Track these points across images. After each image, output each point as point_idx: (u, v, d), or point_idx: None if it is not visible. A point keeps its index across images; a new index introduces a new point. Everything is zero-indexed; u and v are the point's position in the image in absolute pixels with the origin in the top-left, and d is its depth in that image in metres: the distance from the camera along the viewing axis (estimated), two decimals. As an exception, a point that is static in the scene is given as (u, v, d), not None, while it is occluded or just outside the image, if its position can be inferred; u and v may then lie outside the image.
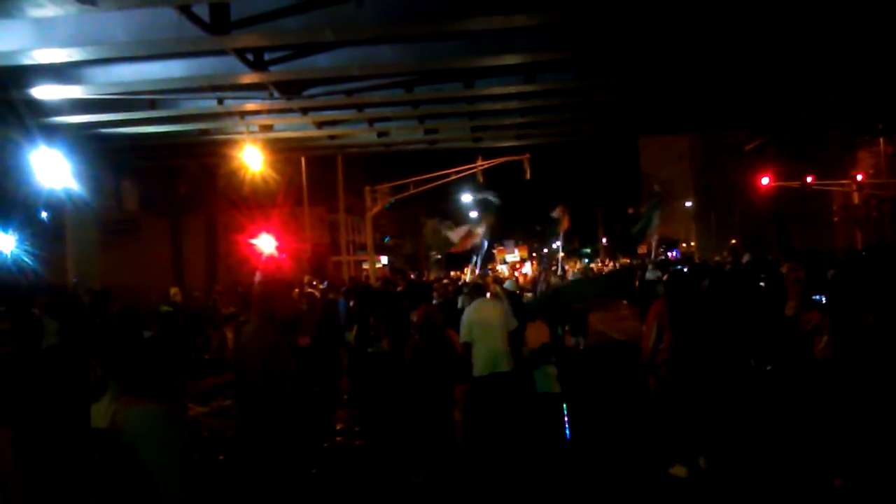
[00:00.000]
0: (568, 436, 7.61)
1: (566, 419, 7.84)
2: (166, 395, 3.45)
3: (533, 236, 63.89)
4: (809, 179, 35.22)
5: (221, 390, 6.91)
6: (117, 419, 3.38)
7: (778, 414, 7.10)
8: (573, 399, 8.32)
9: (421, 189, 27.68)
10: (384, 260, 42.34)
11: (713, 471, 6.41)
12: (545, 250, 57.42)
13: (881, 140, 37.09)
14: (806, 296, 6.90)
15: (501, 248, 52.39)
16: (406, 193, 28.04)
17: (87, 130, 17.59)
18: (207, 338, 11.52)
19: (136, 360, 3.42)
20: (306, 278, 15.77)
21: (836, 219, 45.55)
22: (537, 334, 14.30)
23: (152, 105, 16.05)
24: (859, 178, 35.00)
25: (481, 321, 7.52)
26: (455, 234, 23.68)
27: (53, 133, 16.15)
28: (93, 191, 18.17)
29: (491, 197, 26.19)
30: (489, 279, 27.81)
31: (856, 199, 38.26)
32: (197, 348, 11.19)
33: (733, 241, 44.21)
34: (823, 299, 6.50)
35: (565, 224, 24.40)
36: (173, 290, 17.63)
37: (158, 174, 23.64)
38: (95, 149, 18.67)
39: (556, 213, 23.51)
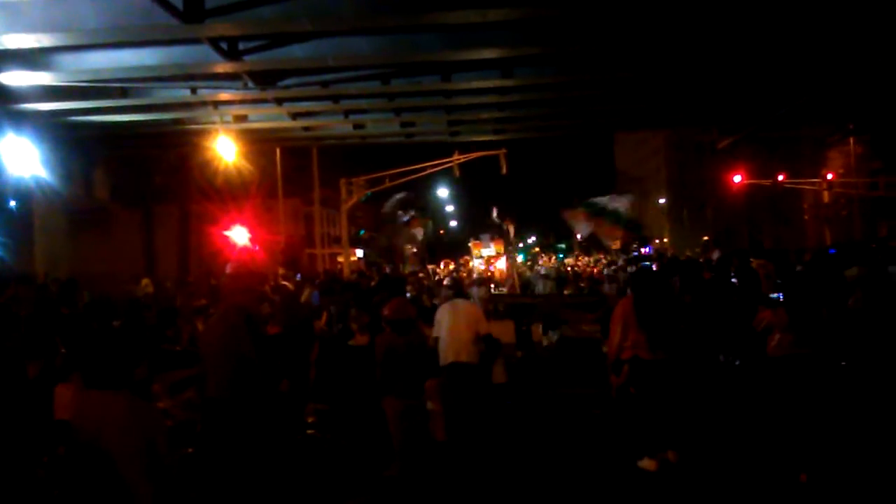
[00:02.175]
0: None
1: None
2: (131, 386, 3.40)
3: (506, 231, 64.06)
4: (781, 178, 35.68)
5: (191, 383, 6.83)
6: (82, 409, 3.33)
7: (745, 408, 7.19)
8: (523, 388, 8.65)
9: (397, 182, 27.58)
10: (359, 253, 42.19)
11: (683, 464, 6.48)
12: (521, 245, 57.61)
13: (851, 140, 37.68)
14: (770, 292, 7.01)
15: (477, 241, 52.37)
16: (382, 186, 27.92)
17: (57, 118, 17.29)
18: (178, 329, 11.37)
19: (100, 351, 3.37)
20: (280, 271, 15.64)
21: (806, 217, 46.23)
22: (504, 329, 14.38)
23: (123, 93, 15.82)
24: (829, 177, 35.51)
25: (451, 317, 7.75)
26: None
27: (22, 120, 15.86)
28: (62, 179, 17.88)
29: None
30: (462, 275, 27.84)
31: (826, 197, 38.82)
32: (167, 340, 11.04)
33: (705, 238, 44.71)
34: (781, 297, 6.60)
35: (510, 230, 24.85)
36: (144, 281, 17.42)
37: (130, 164, 23.31)
38: (65, 137, 18.37)
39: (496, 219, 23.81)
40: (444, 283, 16.72)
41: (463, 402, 7.36)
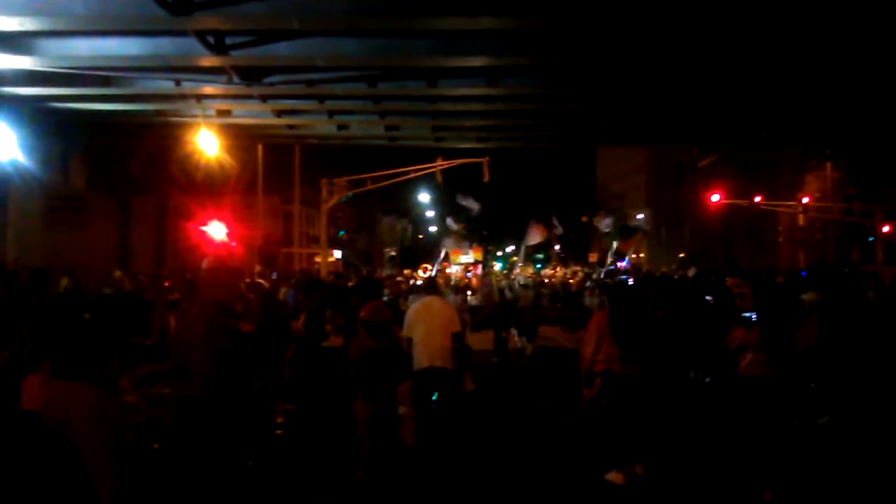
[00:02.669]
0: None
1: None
2: (100, 379, 3.36)
3: (487, 239, 64.14)
4: (758, 199, 36.10)
5: (161, 378, 6.75)
6: (50, 400, 3.28)
7: (713, 425, 7.25)
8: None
9: (379, 185, 27.54)
10: (337, 254, 42.05)
11: (650, 479, 6.52)
12: (499, 253, 57.72)
13: (828, 165, 38.25)
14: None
15: (456, 248, 52.38)
16: (363, 188, 27.86)
17: (37, 103, 17.09)
18: (150, 323, 11.25)
19: (70, 342, 3.33)
20: (256, 268, 15.55)
21: (780, 239, 46.84)
22: (482, 337, 14.40)
23: (106, 82, 15.66)
24: (805, 200, 36.00)
25: (424, 318, 7.63)
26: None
27: (1, 103, 15.63)
28: (40, 165, 17.63)
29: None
30: (439, 279, 27.85)
31: (801, 220, 39.34)
32: (139, 333, 10.92)
33: (682, 255, 45.15)
34: (753, 317, 6.66)
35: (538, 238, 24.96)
36: (117, 273, 17.19)
37: (109, 153, 23.02)
38: (45, 123, 18.14)
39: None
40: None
41: (435, 408, 7.33)
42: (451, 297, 16.39)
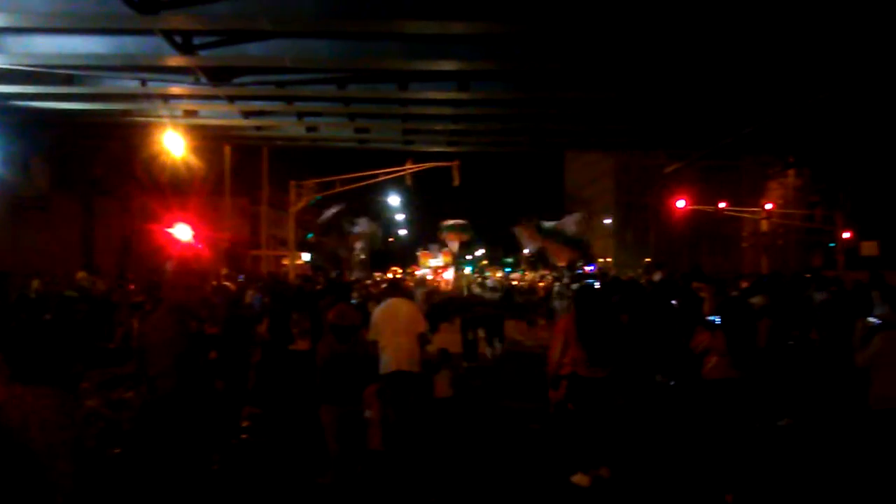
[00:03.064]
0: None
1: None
2: (60, 383, 3.30)
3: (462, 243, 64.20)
4: (722, 205, 36.73)
5: (123, 381, 6.66)
6: (6, 403, 3.21)
7: (678, 428, 7.35)
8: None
9: (348, 188, 27.45)
10: (306, 257, 41.76)
11: (615, 481, 6.58)
12: (468, 257, 57.84)
13: (791, 172, 39.03)
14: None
15: (426, 251, 52.35)
16: (332, 191, 27.75)
17: (-1, 101, 16.74)
18: (113, 325, 11.09)
19: (29, 345, 3.27)
20: (223, 271, 15.40)
21: (744, 245, 47.66)
22: (450, 339, 14.40)
23: (70, 81, 15.39)
24: (768, 206, 36.70)
25: (390, 320, 7.58)
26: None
27: (-39, 101, 15.30)
28: (1, 165, 17.27)
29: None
30: (408, 282, 27.85)
31: (764, 226, 40.07)
32: (102, 336, 10.76)
33: (647, 260, 45.70)
34: (717, 320, 6.78)
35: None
36: (80, 275, 16.87)
37: (73, 152, 22.62)
38: (7, 121, 17.76)
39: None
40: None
41: (403, 412, 7.32)
42: (417, 291, 16.39)
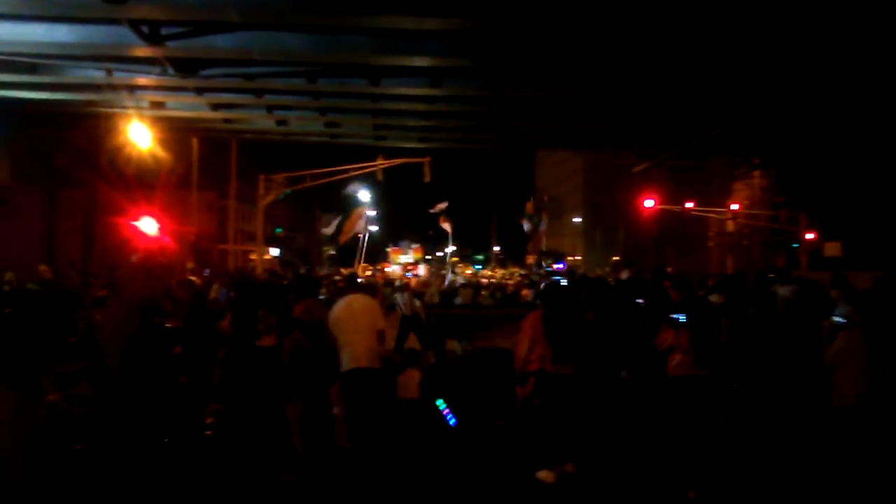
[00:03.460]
0: (453, 426, 7.66)
1: (445, 412, 7.94)
2: (18, 379, 3.23)
3: (427, 239, 64.26)
4: (690, 205, 37.16)
5: (85, 376, 6.53)
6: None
7: (643, 425, 7.43)
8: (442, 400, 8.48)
9: (318, 182, 27.26)
10: (274, 252, 41.45)
11: (580, 477, 6.63)
12: (438, 254, 57.97)
13: (757, 173, 39.63)
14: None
15: (396, 248, 52.35)
16: (302, 185, 27.54)
17: (-43, 90, 16.33)
18: (75, 319, 10.90)
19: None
20: (189, 265, 15.20)
21: (710, 244, 48.30)
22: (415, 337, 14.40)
23: (33, 70, 15.06)
24: (734, 207, 37.20)
25: (348, 317, 7.47)
26: (330, 228, 23.74)
27: (-82, 89, 14.89)
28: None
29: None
30: (378, 278, 27.76)
31: (730, 227, 40.62)
32: (63, 330, 10.55)
33: (615, 258, 46.11)
34: (682, 318, 6.86)
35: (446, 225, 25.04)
36: (42, 268, 16.52)
37: (36, 144, 22.14)
38: (-35, 110, 17.35)
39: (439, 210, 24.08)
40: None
41: (363, 410, 7.26)
42: (398, 297, 16.32)
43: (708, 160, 43.03)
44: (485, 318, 16.95)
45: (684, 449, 6.37)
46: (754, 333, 7.18)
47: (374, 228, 60.79)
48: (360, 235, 21.62)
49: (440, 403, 7.94)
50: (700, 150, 26.29)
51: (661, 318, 7.43)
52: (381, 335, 7.70)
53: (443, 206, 26.60)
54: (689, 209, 37.21)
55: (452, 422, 7.87)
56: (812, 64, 13.54)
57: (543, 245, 25.09)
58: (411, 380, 8.99)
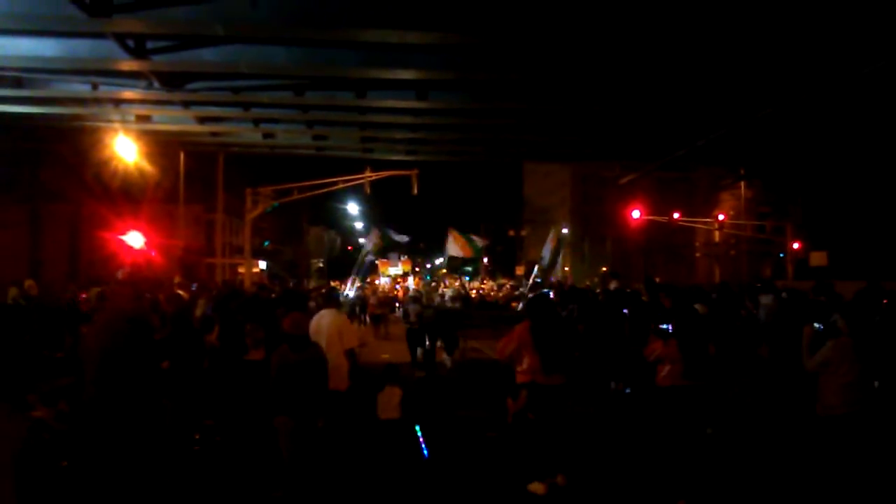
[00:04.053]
0: (425, 455, 7.46)
1: (421, 440, 7.68)
2: (6, 394, 3.20)
3: (416, 251, 64.29)
4: (676, 216, 37.41)
5: (71, 391, 6.48)
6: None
7: (632, 435, 7.44)
8: (424, 421, 8.10)
9: (306, 195, 27.26)
10: (262, 265, 41.29)
11: (571, 488, 6.62)
12: (427, 265, 57.94)
13: (742, 184, 39.95)
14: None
15: (385, 260, 52.22)
16: (290, 198, 27.53)
17: (-59, 103, 16.21)
18: (62, 335, 10.80)
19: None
20: (176, 279, 15.11)
21: (697, 254, 48.56)
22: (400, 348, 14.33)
23: (18, 83, 14.99)
24: (721, 217, 37.48)
25: (316, 334, 7.19)
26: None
27: None
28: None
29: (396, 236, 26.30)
30: (368, 291, 27.72)
31: (717, 237, 40.92)
32: (50, 346, 10.46)
33: (604, 269, 46.26)
34: (669, 328, 6.89)
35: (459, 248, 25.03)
36: (27, 283, 16.37)
37: (20, 158, 22.05)
38: (-51, 124, 17.24)
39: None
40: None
41: (337, 433, 6.96)
42: (411, 307, 16.24)
43: (694, 171, 43.31)
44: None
45: (674, 458, 6.38)
46: (740, 343, 7.23)
47: (362, 241, 60.81)
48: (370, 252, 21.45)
49: (417, 429, 7.60)
50: (686, 161, 26.49)
51: (648, 328, 7.46)
52: (349, 354, 7.44)
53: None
54: (675, 220, 37.45)
55: (425, 452, 7.49)
56: (796, 74, 13.68)
57: (544, 262, 24.94)
58: (392, 398, 8.34)
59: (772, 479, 6.68)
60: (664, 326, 6.94)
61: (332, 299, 8.73)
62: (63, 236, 24.89)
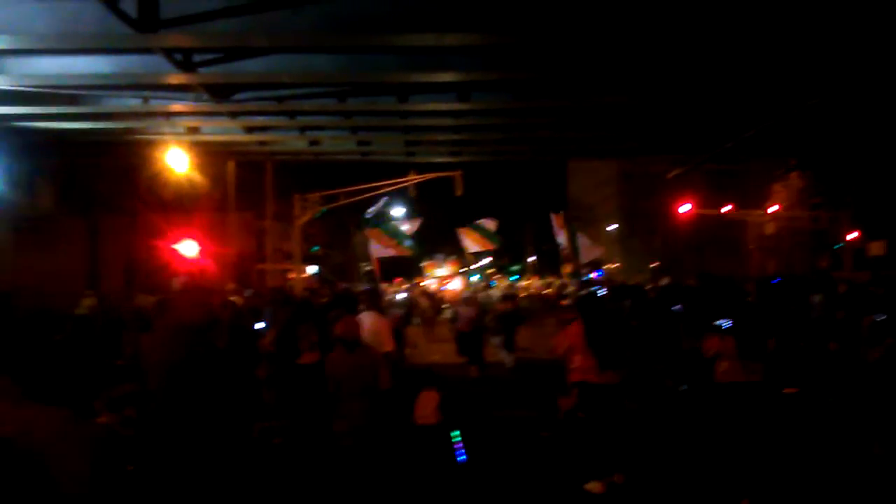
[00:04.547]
0: (461, 461, 7.21)
1: (457, 446, 7.40)
2: (73, 402, 3.31)
3: (461, 252, 64.31)
4: (727, 209, 36.66)
5: (133, 398, 6.65)
6: (20, 425, 3.21)
7: (691, 433, 7.31)
8: (464, 425, 7.72)
9: (352, 200, 27.52)
10: (312, 269, 41.79)
11: (629, 487, 6.55)
12: (473, 266, 57.91)
13: (794, 174, 38.96)
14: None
15: (431, 262, 52.37)
16: (337, 203, 27.81)
17: (3, 123, 16.81)
18: (122, 343, 11.12)
19: (43, 364, 3.28)
20: (229, 286, 15.41)
21: (750, 247, 47.51)
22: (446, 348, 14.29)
23: (73, 100, 15.46)
24: (773, 209, 36.60)
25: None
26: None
27: (-35, 124, 15.39)
28: (6, 186, 17.37)
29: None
30: (417, 292, 27.84)
31: (769, 229, 39.98)
32: (111, 354, 10.78)
33: (653, 265, 45.57)
34: (726, 324, 6.75)
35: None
36: (87, 293, 16.93)
37: (77, 172, 22.75)
38: (10, 142, 17.86)
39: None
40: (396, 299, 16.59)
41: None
42: (461, 310, 16.29)
43: (744, 163, 42.39)
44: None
45: (736, 456, 6.25)
46: (809, 339, 7.06)
47: (407, 243, 61.04)
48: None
49: (454, 435, 7.31)
50: (735, 153, 25.92)
51: (702, 324, 7.34)
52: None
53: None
54: (726, 213, 36.70)
55: (462, 458, 7.25)
56: (847, 60, 13.29)
57: (581, 255, 24.56)
58: (429, 403, 7.85)
59: (837, 476, 6.50)
60: (720, 322, 6.81)
61: (374, 301, 8.78)
62: (120, 247, 25.59)
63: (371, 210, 24.56)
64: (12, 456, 3.16)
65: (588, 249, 27.10)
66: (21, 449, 3.08)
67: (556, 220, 27.61)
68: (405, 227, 23.00)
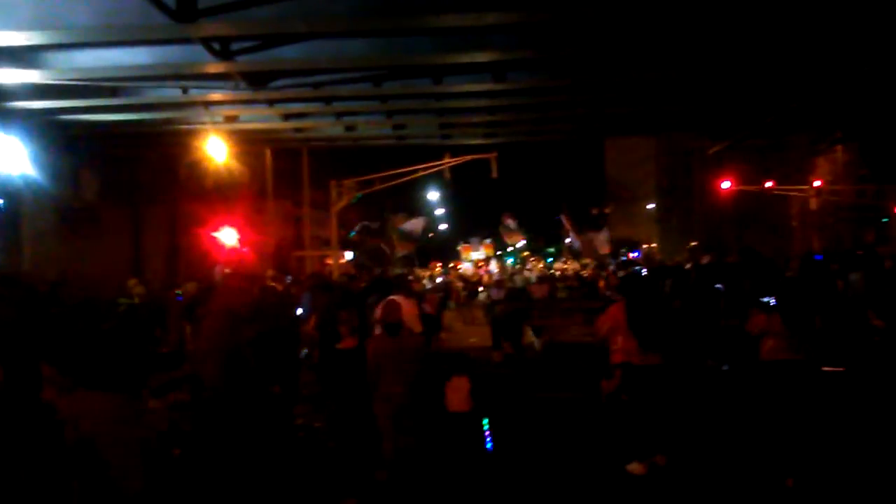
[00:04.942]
0: (490, 449, 7.08)
1: (487, 434, 7.28)
2: (124, 388, 3.39)
3: (497, 234, 64.09)
4: (769, 184, 35.87)
5: (177, 385, 6.81)
6: (73, 410, 3.30)
7: (734, 413, 7.23)
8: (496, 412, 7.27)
9: (387, 185, 27.61)
10: (349, 255, 42.09)
11: (672, 468, 6.51)
12: (509, 248, 57.78)
13: (839, 148, 37.95)
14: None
15: (467, 245, 52.35)
16: (372, 188, 27.93)
17: (46, 116, 17.18)
18: (166, 330, 11.35)
19: (94, 352, 3.36)
20: (269, 272, 15.59)
21: (794, 223, 46.49)
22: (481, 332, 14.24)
23: (114, 92, 15.73)
24: (817, 184, 35.71)
25: None
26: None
27: (10, 118, 15.74)
28: (51, 179, 17.75)
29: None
30: (453, 276, 27.89)
31: (813, 204, 39.01)
32: (155, 341, 11.01)
33: (693, 244, 44.91)
34: (772, 301, 6.63)
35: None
36: (132, 282, 17.27)
37: (119, 163, 23.16)
38: (54, 135, 18.25)
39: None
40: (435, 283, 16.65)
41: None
42: (494, 291, 16.38)
43: (787, 137, 41.38)
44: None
45: (781, 435, 6.16)
46: (851, 315, 6.91)
47: (443, 227, 61.09)
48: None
49: (485, 423, 7.16)
50: (778, 127, 25.35)
51: (747, 301, 7.21)
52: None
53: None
54: (768, 188, 35.93)
55: (489, 446, 7.01)
56: (891, 31, 12.86)
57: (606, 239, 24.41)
58: (460, 389, 7.17)
59: (886, 455, 6.37)
60: (766, 299, 6.69)
61: (402, 285, 8.87)
62: (161, 236, 26.05)
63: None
64: (66, 439, 3.26)
65: (601, 244, 26.98)
66: (73, 433, 3.17)
67: (565, 222, 27.58)
68: (409, 228, 23.23)
